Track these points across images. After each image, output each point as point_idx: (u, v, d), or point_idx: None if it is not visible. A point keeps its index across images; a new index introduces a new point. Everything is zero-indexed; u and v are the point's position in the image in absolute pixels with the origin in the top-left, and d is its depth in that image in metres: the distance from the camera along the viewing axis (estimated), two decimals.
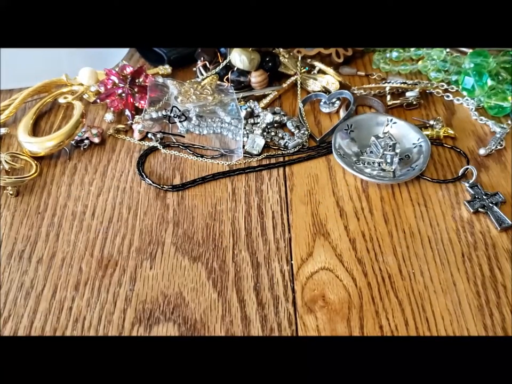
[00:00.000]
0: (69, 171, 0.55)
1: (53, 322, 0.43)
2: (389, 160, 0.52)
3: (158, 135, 0.58)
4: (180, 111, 0.57)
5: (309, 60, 0.66)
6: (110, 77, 0.60)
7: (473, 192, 0.51)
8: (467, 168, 0.52)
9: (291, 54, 0.65)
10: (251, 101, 0.60)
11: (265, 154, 0.56)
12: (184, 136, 0.58)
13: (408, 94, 0.60)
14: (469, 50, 0.62)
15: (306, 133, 0.57)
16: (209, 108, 0.58)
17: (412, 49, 0.66)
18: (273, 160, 0.55)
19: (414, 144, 0.54)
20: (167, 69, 0.66)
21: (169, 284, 0.45)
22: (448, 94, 0.62)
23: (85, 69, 0.62)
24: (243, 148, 0.56)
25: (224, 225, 0.49)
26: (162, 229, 0.49)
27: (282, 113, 0.59)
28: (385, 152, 0.52)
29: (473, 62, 0.60)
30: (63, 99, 0.60)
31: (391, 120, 0.56)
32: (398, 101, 0.60)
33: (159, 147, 0.57)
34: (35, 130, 0.59)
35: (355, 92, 0.62)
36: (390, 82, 0.63)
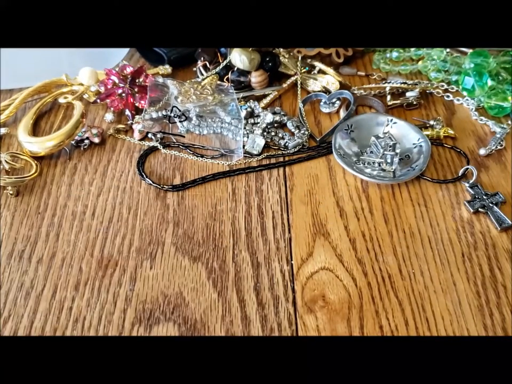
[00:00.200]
0: (69, 171, 0.55)
1: (53, 322, 0.43)
2: (389, 160, 0.52)
3: (158, 135, 0.58)
4: (180, 111, 0.57)
5: (309, 60, 0.66)
6: (110, 77, 0.60)
7: (473, 192, 0.51)
8: (467, 168, 0.52)
9: (291, 54, 0.65)
10: (251, 101, 0.60)
11: (265, 154, 0.56)
12: (184, 136, 0.58)
13: (408, 94, 0.60)
14: (469, 51, 0.62)
15: (306, 133, 0.57)
16: (209, 108, 0.58)
17: (412, 49, 0.66)
18: (273, 160, 0.55)
19: (414, 144, 0.54)
20: (167, 69, 0.66)
21: (169, 284, 0.45)
22: (448, 94, 0.62)
23: (85, 69, 0.62)
24: (243, 147, 0.56)
25: (224, 225, 0.49)
26: (162, 229, 0.49)
27: (282, 113, 0.59)
28: (385, 152, 0.52)
29: (473, 62, 0.60)
30: (63, 99, 0.60)
31: (391, 120, 0.56)
32: (398, 101, 0.60)
33: (159, 147, 0.57)
34: (35, 130, 0.59)
35: (355, 92, 0.62)
36: (390, 82, 0.63)
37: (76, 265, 0.47)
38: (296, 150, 0.56)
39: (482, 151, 0.55)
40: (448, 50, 0.65)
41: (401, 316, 0.42)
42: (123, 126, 0.59)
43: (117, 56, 0.67)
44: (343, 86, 0.63)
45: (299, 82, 0.63)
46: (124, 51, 0.68)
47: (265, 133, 0.57)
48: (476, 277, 0.45)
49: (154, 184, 0.53)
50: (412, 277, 0.45)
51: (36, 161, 0.55)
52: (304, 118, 0.59)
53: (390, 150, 0.52)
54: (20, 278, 0.46)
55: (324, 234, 0.48)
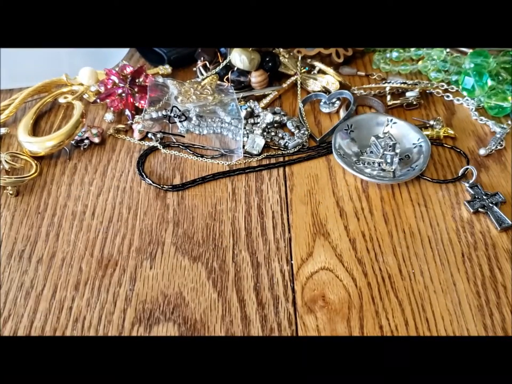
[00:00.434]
0: (69, 171, 0.55)
1: (53, 322, 0.43)
2: (389, 160, 0.52)
3: (158, 135, 0.58)
4: (180, 111, 0.57)
5: (309, 60, 0.66)
6: (110, 77, 0.60)
7: (473, 192, 0.51)
8: (467, 168, 0.52)
9: (291, 54, 0.65)
10: (251, 101, 0.60)
11: (265, 154, 0.56)
12: (184, 136, 0.58)
13: (408, 94, 0.60)
14: (469, 50, 0.62)
15: (306, 133, 0.57)
16: (209, 108, 0.58)
17: (412, 49, 0.66)
18: (273, 160, 0.55)
19: (414, 144, 0.54)
20: (167, 69, 0.66)
21: (169, 283, 0.45)
22: (448, 94, 0.62)
23: (85, 69, 0.62)
24: (243, 147, 0.56)
25: (224, 225, 0.49)
26: (162, 229, 0.49)
27: (282, 113, 0.60)
28: (385, 152, 0.52)
29: (473, 62, 0.60)
30: (63, 99, 0.60)
31: (391, 120, 0.56)
32: (398, 101, 0.60)
33: (159, 147, 0.57)
34: (35, 130, 0.59)
35: (355, 92, 0.62)
36: (390, 82, 0.63)
37: (75, 265, 0.47)
38: (296, 150, 0.56)
39: (482, 151, 0.55)
40: (448, 50, 0.65)
41: (401, 316, 0.42)
42: (123, 126, 0.59)
43: (117, 56, 0.67)
44: (343, 86, 0.63)
45: (299, 82, 0.63)
46: (124, 51, 0.68)
47: (265, 133, 0.57)
48: (475, 277, 0.45)
49: (154, 184, 0.53)
50: (412, 277, 0.45)
51: (35, 161, 0.55)
52: (304, 118, 0.59)
53: (390, 150, 0.52)
54: (20, 277, 0.46)
55: (324, 234, 0.48)
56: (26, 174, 0.53)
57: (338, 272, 0.45)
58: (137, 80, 0.60)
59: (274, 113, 0.59)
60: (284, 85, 0.63)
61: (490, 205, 0.49)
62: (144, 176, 0.54)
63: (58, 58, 0.64)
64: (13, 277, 0.46)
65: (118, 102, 0.59)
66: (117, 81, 0.60)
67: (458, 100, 0.62)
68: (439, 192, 0.52)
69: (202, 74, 0.63)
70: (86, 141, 0.57)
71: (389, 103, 0.60)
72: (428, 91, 0.63)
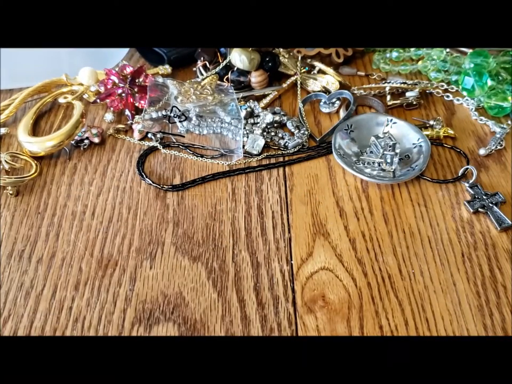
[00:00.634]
0: (69, 171, 0.55)
1: (52, 322, 0.43)
2: (389, 160, 0.52)
3: (158, 135, 0.58)
4: (179, 111, 0.57)
5: (309, 60, 0.66)
6: (110, 77, 0.60)
7: (473, 192, 0.51)
8: (467, 168, 0.52)
9: (291, 54, 0.65)
10: (251, 101, 0.60)
11: (265, 154, 0.56)
12: (184, 136, 0.58)
13: (408, 94, 0.60)
14: (469, 50, 0.62)
15: (306, 133, 0.57)
16: (209, 108, 0.58)
17: (412, 49, 0.66)
18: (273, 160, 0.55)
19: (414, 144, 0.54)
20: (167, 69, 0.66)
21: (169, 283, 0.45)
22: (448, 94, 0.62)
23: (85, 69, 0.62)
24: (243, 147, 0.56)
25: (224, 225, 0.49)
26: (162, 229, 0.49)
27: (282, 113, 0.60)
28: (385, 152, 0.52)
29: (473, 62, 0.60)
30: (63, 99, 0.60)
31: (391, 120, 0.56)
32: (398, 101, 0.60)
33: (159, 147, 0.57)
34: (35, 130, 0.59)
35: (355, 92, 0.62)
36: (390, 82, 0.63)
37: (75, 265, 0.47)
38: (296, 150, 0.56)
39: (482, 151, 0.55)
40: (448, 50, 0.65)
41: (401, 316, 0.42)
42: (123, 126, 0.59)
43: (116, 56, 0.67)
44: (343, 86, 0.63)
45: (299, 82, 0.63)
46: (124, 51, 0.68)
47: (265, 133, 0.57)
48: (475, 277, 0.45)
49: (154, 184, 0.53)
50: (412, 277, 0.45)
51: (35, 161, 0.55)
52: (304, 118, 0.59)
53: (389, 150, 0.52)
54: (20, 277, 0.46)
55: (324, 234, 0.48)
56: (26, 174, 0.53)
57: (338, 272, 0.45)
58: (137, 80, 0.60)
59: (274, 113, 0.59)
60: (284, 85, 0.63)
61: (490, 205, 0.49)
62: (144, 176, 0.54)
63: (58, 58, 0.64)
64: (13, 277, 0.46)
65: (118, 102, 0.59)
66: (116, 81, 0.60)
67: (458, 100, 0.62)
68: (439, 192, 0.52)
69: (202, 74, 0.63)
70: (86, 141, 0.57)
71: (389, 103, 0.60)
72: (427, 91, 0.63)
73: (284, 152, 0.56)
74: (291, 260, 0.47)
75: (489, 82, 0.59)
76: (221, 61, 0.62)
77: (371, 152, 0.54)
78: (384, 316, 0.42)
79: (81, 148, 0.57)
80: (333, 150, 0.54)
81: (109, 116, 0.60)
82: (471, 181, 0.51)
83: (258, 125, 0.58)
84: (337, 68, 0.66)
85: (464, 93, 0.61)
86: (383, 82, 0.64)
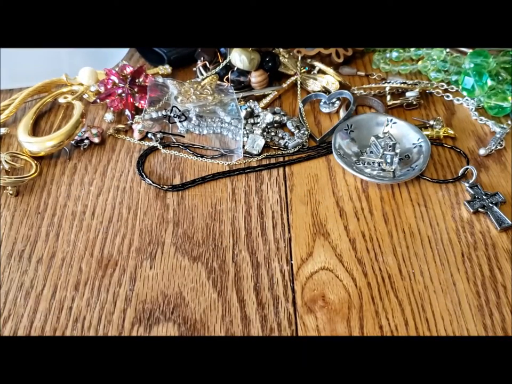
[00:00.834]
0: (69, 171, 0.55)
1: (52, 322, 0.43)
2: (389, 160, 0.52)
3: (158, 135, 0.58)
4: (179, 111, 0.57)
5: (309, 60, 0.66)
6: (110, 77, 0.60)
7: (473, 192, 0.51)
8: (467, 168, 0.52)
9: (291, 54, 0.65)
10: (251, 101, 0.60)
11: (265, 154, 0.56)
12: (184, 136, 0.58)
13: (408, 94, 0.60)
14: (469, 50, 0.62)
15: (306, 133, 0.57)
16: (209, 108, 0.58)
17: (412, 49, 0.66)
18: (273, 160, 0.55)
19: (414, 144, 0.54)
20: (167, 69, 0.66)
21: (169, 283, 0.45)
22: (448, 94, 0.62)
23: (85, 69, 0.62)
24: (243, 147, 0.56)
25: (224, 225, 0.49)
26: (162, 229, 0.49)
27: (282, 113, 0.60)
28: (385, 152, 0.52)
29: (473, 62, 0.60)
30: (63, 99, 0.60)
31: (391, 120, 0.56)
32: (398, 101, 0.60)
33: (159, 147, 0.57)
34: (35, 130, 0.59)
35: (355, 91, 0.62)
36: (390, 82, 0.63)
37: (75, 265, 0.47)
38: (296, 150, 0.56)
39: (482, 151, 0.55)
40: (448, 50, 0.65)
41: (401, 316, 0.42)
42: (123, 126, 0.59)
43: (117, 56, 0.67)
44: (343, 86, 0.63)
45: (299, 82, 0.63)
46: (124, 51, 0.68)
47: (265, 133, 0.57)
48: (475, 277, 0.45)
49: (154, 184, 0.53)
50: (412, 277, 0.45)
51: (35, 161, 0.55)
52: (304, 118, 0.59)
53: (389, 150, 0.52)
54: (20, 277, 0.46)
55: (324, 234, 0.48)
56: (26, 174, 0.53)
57: (338, 272, 0.45)
58: (137, 80, 0.60)
59: (274, 113, 0.59)
60: (284, 85, 0.63)
61: (490, 205, 0.49)
62: (144, 176, 0.54)
63: (58, 58, 0.64)
64: (13, 277, 0.46)
65: (118, 102, 0.59)
66: (116, 81, 0.60)
67: (458, 100, 0.62)
68: (439, 192, 0.52)
69: (202, 74, 0.63)
70: (86, 141, 0.57)
71: (389, 103, 0.60)
72: (427, 91, 0.63)
73: (284, 152, 0.56)
74: (291, 259, 0.47)
75: (489, 82, 0.59)
76: (221, 61, 0.62)
77: (371, 152, 0.54)
78: (384, 315, 0.42)
79: (81, 148, 0.57)
80: (333, 150, 0.54)
81: (109, 116, 0.60)
82: (471, 181, 0.51)
83: (258, 125, 0.58)
84: (337, 67, 0.66)
85: (464, 93, 0.61)
86: (383, 82, 0.64)
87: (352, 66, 0.67)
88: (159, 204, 0.51)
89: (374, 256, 0.47)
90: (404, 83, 0.62)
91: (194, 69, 0.65)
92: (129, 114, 0.59)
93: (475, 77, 0.59)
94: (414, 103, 0.60)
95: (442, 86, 0.63)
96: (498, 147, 0.55)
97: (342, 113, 0.59)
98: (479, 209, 0.49)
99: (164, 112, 0.58)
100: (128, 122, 0.60)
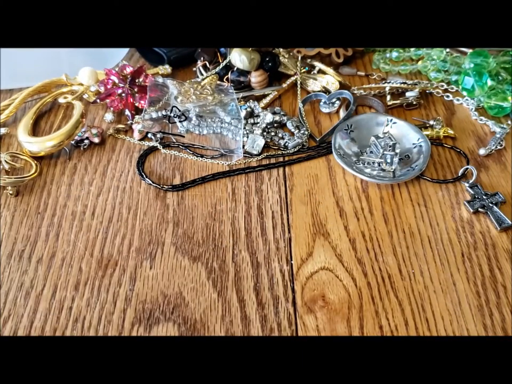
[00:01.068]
0: (69, 171, 0.55)
1: (52, 322, 0.43)
2: (388, 160, 0.52)
3: (158, 135, 0.58)
4: (179, 111, 0.57)
5: (309, 60, 0.66)
6: (110, 77, 0.60)
7: (473, 192, 0.51)
8: (467, 168, 0.52)
9: (291, 54, 0.65)
10: (251, 101, 0.60)
11: (265, 154, 0.56)
12: (184, 136, 0.58)
13: (408, 94, 0.60)
14: (469, 50, 0.62)
15: (306, 133, 0.57)
16: (209, 108, 0.58)
17: (412, 49, 0.66)
18: (273, 160, 0.55)
19: (414, 144, 0.54)
20: (167, 69, 0.66)
21: (169, 283, 0.45)
22: (448, 94, 0.62)
23: (85, 69, 0.62)
24: (243, 147, 0.56)
25: (224, 225, 0.49)
26: (162, 229, 0.49)
27: (282, 113, 0.60)
28: (385, 152, 0.52)
29: (473, 62, 0.60)
30: (63, 99, 0.60)
31: (391, 120, 0.56)
32: (398, 101, 0.60)
33: (159, 147, 0.57)
34: (35, 130, 0.59)
35: (355, 91, 0.62)
36: (390, 82, 0.63)
37: (75, 265, 0.47)
38: (296, 150, 0.56)
39: (482, 151, 0.55)
40: (448, 50, 0.65)
41: (401, 316, 0.42)
42: (123, 126, 0.59)
43: (116, 56, 0.67)
44: (343, 86, 0.63)
45: (299, 82, 0.63)
46: (124, 51, 0.68)
47: (265, 133, 0.57)
48: (475, 277, 0.45)
49: (154, 184, 0.53)
50: (412, 277, 0.45)
51: (35, 161, 0.55)
52: (304, 118, 0.59)
53: (389, 150, 0.52)
54: (20, 277, 0.46)
55: (324, 234, 0.48)
56: (26, 174, 0.53)
57: (338, 272, 0.45)
58: (137, 80, 0.60)
59: (274, 113, 0.59)
60: (284, 85, 0.63)
61: (490, 205, 0.49)
62: (144, 176, 0.54)
63: (58, 58, 0.64)
64: (13, 277, 0.46)
65: (118, 102, 0.59)
66: (116, 81, 0.60)
67: (458, 100, 0.62)
68: (439, 192, 0.52)
69: (202, 74, 0.63)
70: (86, 141, 0.57)
71: (389, 103, 0.60)
72: (427, 91, 0.63)
73: (283, 152, 0.56)
74: (291, 260, 0.47)
75: (489, 82, 0.59)
76: (221, 61, 0.62)
77: (371, 152, 0.54)
78: (384, 315, 0.42)
79: (81, 148, 0.57)
80: (333, 150, 0.54)
81: (109, 116, 0.60)
82: (471, 181, 0.51)
83: (258, 125, 0.58)
84: (337, 67, 0.66)
85: (464, 93, 0.61)
86: (383, 82, 0.64)
87: (352, 66, 0.67)
88: (159, 204, 0.51)
89: (374, 256, 0.47)
90: (404, 83, 0.62)
91: (194, 69, 0.65)
92: (129, 114, 0.59)
93: (475, 77, 0.59)
94: (414, 103, 0.60)
95: (442, 86, 0.63)
96: (498, 147, 0.55)
97: (342, 113, 0.59)
98: (479, 209, 0.49)
99: (163, 112, 0.58)
100: (128, 122, 0.60)
